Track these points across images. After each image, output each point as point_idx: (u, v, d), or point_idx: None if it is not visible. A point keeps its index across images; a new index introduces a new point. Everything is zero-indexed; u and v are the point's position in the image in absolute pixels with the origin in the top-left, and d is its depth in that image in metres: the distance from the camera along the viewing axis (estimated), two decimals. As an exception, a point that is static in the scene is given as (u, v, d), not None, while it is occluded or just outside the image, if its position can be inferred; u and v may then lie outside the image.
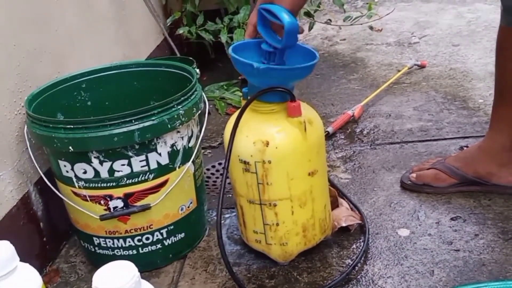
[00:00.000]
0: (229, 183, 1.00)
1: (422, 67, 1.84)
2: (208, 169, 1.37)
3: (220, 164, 1.40)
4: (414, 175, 1.16)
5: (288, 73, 0.88)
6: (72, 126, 0.87)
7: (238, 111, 0.90)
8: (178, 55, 1.84)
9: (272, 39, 0.87)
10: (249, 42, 0.92)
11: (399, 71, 1.80)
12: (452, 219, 1.06)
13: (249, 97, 0.89)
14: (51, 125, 0.89)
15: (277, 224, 0.94)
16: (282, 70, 0.87)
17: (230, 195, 1.16)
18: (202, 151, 1.18)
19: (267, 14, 0.85)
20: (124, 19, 1.59)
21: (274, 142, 0.88)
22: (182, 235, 1.02)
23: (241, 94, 1.74)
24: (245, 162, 0.91)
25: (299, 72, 0.88)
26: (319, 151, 0.94)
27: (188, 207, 1.02)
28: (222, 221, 1.13)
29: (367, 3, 2.02)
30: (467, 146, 1.28)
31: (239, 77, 1.81)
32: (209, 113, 1.09)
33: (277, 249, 0.97)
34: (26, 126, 0.98)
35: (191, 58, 1.61)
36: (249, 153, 0.89)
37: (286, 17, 0.82)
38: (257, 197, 0.93)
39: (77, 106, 1.10)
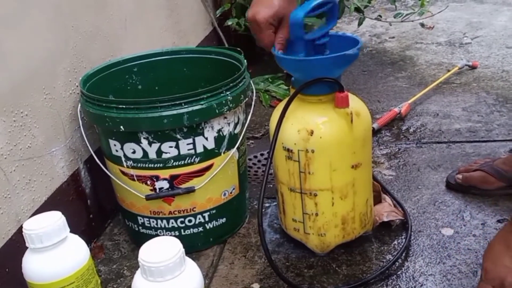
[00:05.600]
0: (270, 173, 1.00)
1: (473, 67, 1.79)
2: (250, 159, 1.38)
3: (262, 155, 1.41)
4: (460, 176, 1.14)
5: (325, 62, 0.86)
6: (124, 106, 0.89)
7: (286, 99, 0.91)
8: (226, 45, 1.85)
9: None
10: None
11: (449, 71, 1.76)
12: (498, 221, 1.03)
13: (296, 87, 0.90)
14: (104, 104, 0.92)
15: (316, 214, 0.94)
16: (317, 60, 0.86)
17: (271, 185, 1.17)
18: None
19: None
20: (176, 8, 1.62)
21: (318, 132, 0.88)
22: (224, 220, 1.04)
23: (285, 87, 1.75)
24: (288, 150, 0.91)
25: (336, 60, 0.85)
26: (365, 144, 0.93)
27: (231, 192, 1.03)
28: (263, 210, 1.14)
29: (419, 0, 1.98)
30: (517, 149, 1.24)
31: (284, 71, 1.82)
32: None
33: (315, 239, 0.97)
34: (79, 105, 1.01)
35: (238, 49, 1.63)
36: (292, 141, 0.90)
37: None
38: (298, 186, 0.93)
39: (128, 89, 1.13)
